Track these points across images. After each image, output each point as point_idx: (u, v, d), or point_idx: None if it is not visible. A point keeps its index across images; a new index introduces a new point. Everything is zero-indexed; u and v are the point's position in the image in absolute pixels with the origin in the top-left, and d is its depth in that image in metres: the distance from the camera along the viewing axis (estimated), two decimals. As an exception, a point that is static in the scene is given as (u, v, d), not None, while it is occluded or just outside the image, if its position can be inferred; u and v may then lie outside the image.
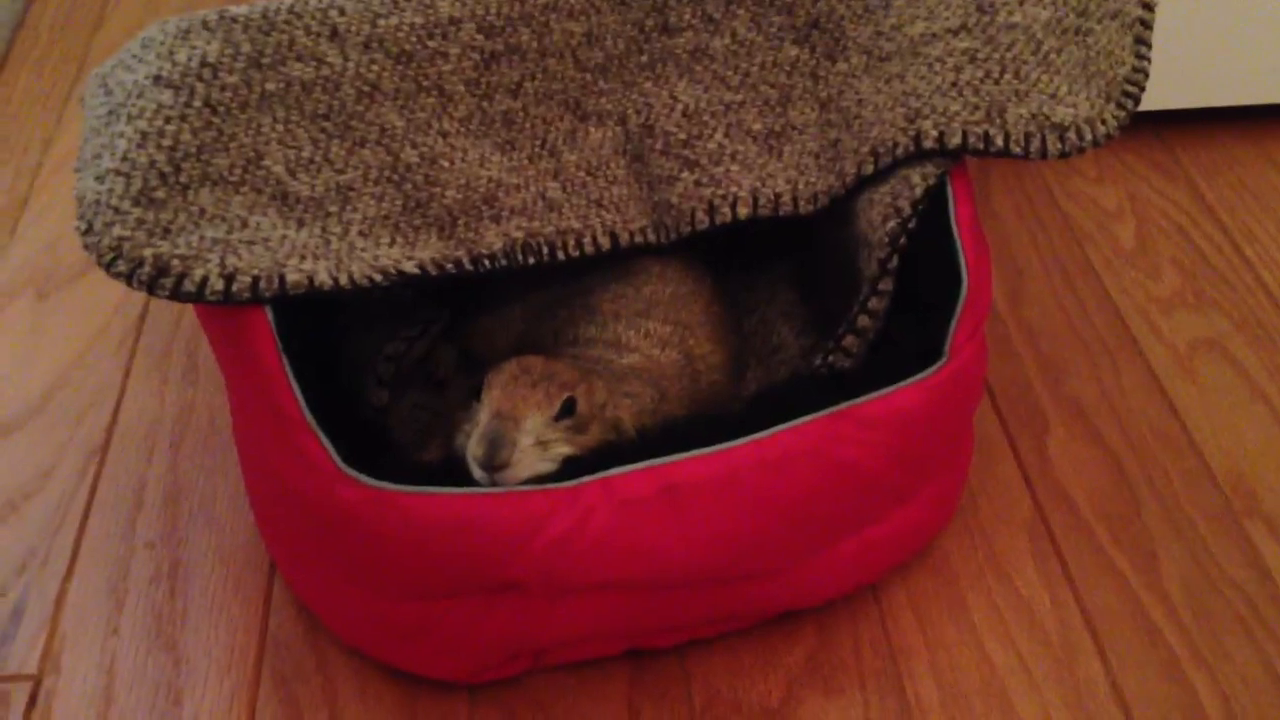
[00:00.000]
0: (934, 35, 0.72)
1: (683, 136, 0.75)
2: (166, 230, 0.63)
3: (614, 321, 0.75)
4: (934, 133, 0.70)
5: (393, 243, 0.68)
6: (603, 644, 0.69)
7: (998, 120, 0.69)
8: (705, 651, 0.71)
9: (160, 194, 0.63)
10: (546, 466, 0.63)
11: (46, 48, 1.23)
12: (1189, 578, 0.75)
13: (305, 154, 0.67)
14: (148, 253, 0.62)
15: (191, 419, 0.85)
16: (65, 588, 0.75)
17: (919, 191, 0.70)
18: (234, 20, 0.68)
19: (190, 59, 0.66)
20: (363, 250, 0.67)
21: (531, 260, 0.71)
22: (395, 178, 0.69)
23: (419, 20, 0.71)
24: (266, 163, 0.66)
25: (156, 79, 0.66)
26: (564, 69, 0.73)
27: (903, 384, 0.67)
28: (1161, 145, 1.08)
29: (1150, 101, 0.72)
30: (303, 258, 0.65)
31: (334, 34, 0.69)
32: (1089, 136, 0.69)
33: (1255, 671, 0.70)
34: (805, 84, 0.75)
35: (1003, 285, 0.94)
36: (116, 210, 0.62)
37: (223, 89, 0.66)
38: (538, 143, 0.73)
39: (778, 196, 0.74)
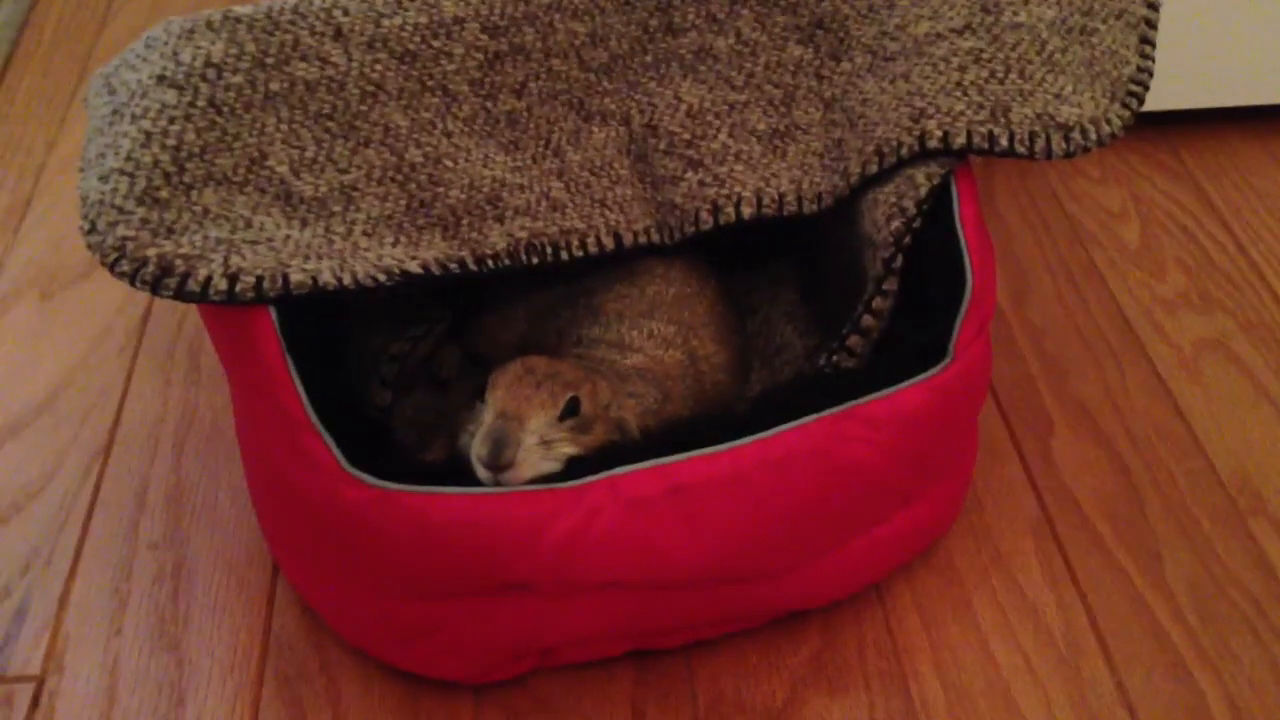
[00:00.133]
0: (939, 35, 0.72)
1: (687, 136, 0.74)
2: (170, 230, 0.63)
3: (618, 322, 0.75)
4: (939, 132, 0.70)
5: (396, 243, 0.68)
6: (607, 644, 0.69)
7: (1002, 120, 0.69)
8: (709, 652, 0.71)
9: (164, 194, 0.63)
10: (551, 466, 0.63)
11: (50, 48, 1.23)
12: (1194, 578, 0.74)
13: (309, 154, 0.67)
14: (151, 252, 0.62)
15: (194, 419, 0.85)
16: (68, 588, 0.74)
17: (924, 191, 0.70)
18: (238, 20, 0.67)
19: (194, 59, 0.66)
20: (366, 250, 0.67)
21: (535, 260, 0.71)
22: (399, 178, 0.69)
23: (423, 20, 0.70)
24: (270, 163, 0.66)
25: (160, 79, 0.66)
26: (568, 69, 0.73)
27: (908, 384, 0.67)
28: (1166, 145, 1.08)
29: (1154, 101, 0.72)
30: (306, 258, 0.65)
31: (338, 34, 0.69)
32: (1094, 136, 0.69)
33: (1261, 671, 0.69)
34: (809, 84, 0.75)
35: (1006, 286, 0.94)
36: (120, 210, 0.62)
37: (227, 89, 0.66)
38: (542, 143, 0.73)
39: (782, 196, 0.74)
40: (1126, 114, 0.71)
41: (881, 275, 0.71)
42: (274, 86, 0.67)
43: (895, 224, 0.70)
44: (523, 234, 0.71)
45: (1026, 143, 0.69)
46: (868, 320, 0.71)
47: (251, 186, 0.66)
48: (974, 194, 0.72)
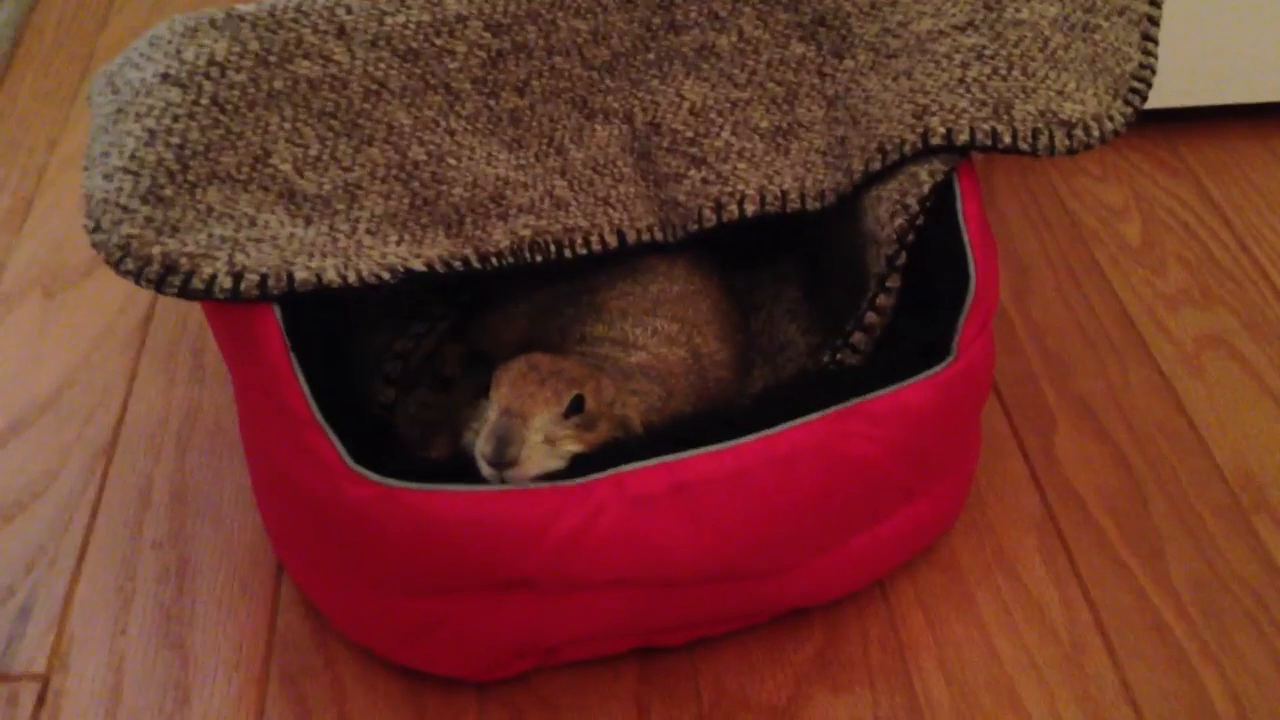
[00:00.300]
0: (941, 32, 0.72)
1: (690, 134, 0.74)
2: (175, 228, 0.63)
3: (621, 319, 0.75)
4: (941, 129, 0.70)
5: (400, 240, 0.68)
6: (611, 642, 0.69)
7: (1005, 117, 0.69)
8: (714, 649, 0.71)
9: (168, 192, 0.64)
10: (555, 464, 0.63)
11: (52, 47, 1.23)
12: (1197, 574, 0.74)
13: (313, 152, 0.67)
14: (156, 250, 0.62)
15: (198, 418, 0.85)
16: (73, 587, 0.75)
17: (927, 188, 0.70)
18: (241, 19, 0.68)
19: (198, 57, 0.66)
20: (370, 248, 0.67)
21: (539, 259, 0.71)
22: (403, 176, 0.69)
23: (426, 18, 0.70)
24: (274, 161, 0.66)
25: (164, 77, 0.66)
26: (571, 67, 0.73)
27: (911, 381, 0.67)
28: (1166, 143, 1.08)
29: (1155, 99, 0.72)
30: (310, 255, 0.65)
31: (341, 32, 0.69)
32: (1096, 133, 0.69)
33: (1264, 666, 0.69)
34: (812, 81, 0.75)
35: (1008, 283, 0.94)
36: (125, 208, 0.62)
37: (230, 87, 0.66)
38: (545, 141, 0.73)
39: (785, 194, 0.74)
40: (1129, 111, 0.71)
41: (885, 272, 0.71)
42: (277, 85, 0.67)
43: (898, 221, 0.70)
44: (526, 232, 0.71)
45: (1029, 139, 0.69)
46: (871, 317, 0.71)
47: (255, 185, 0.66)
48: (977, 191, 0.72)
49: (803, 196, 0.74)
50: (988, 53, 0.71)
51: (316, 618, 0.73)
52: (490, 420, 0.64)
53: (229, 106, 0.66)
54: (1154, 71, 0.72)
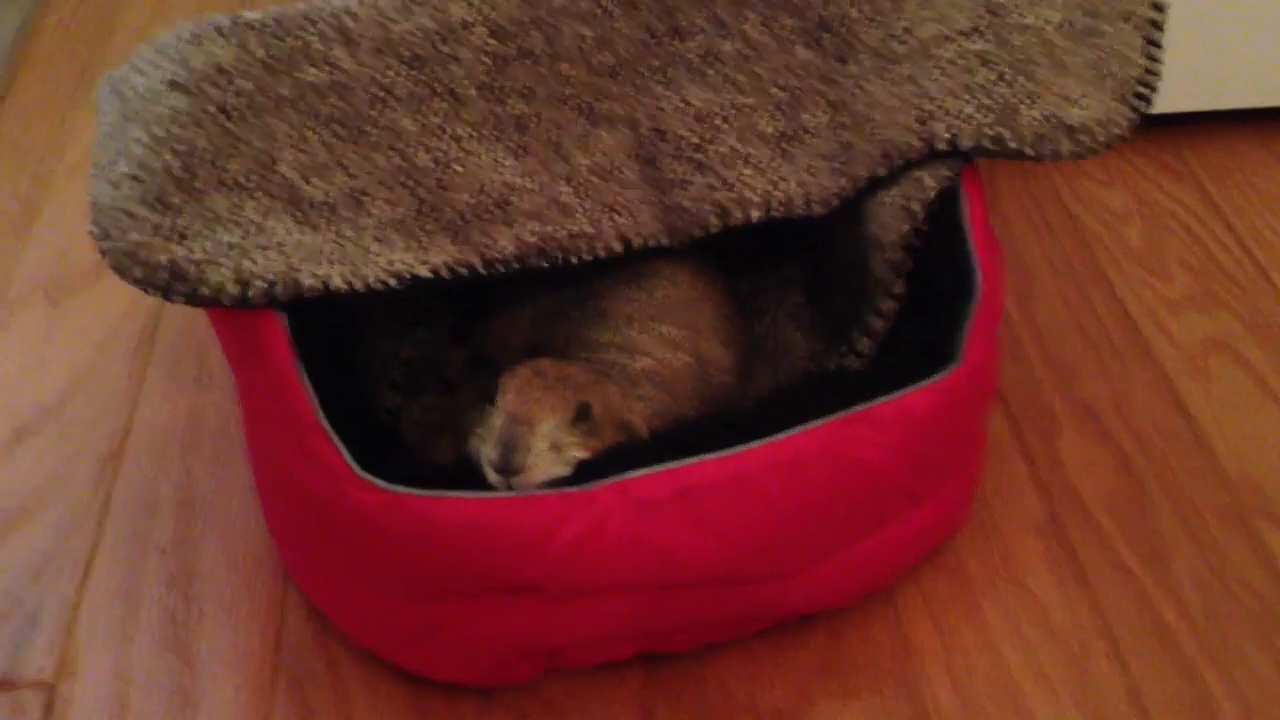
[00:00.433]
0: (945, 37, 0.72)
1: (694, 140, 0.74)
2: (181, 235, 0.63)
3: (626, 325, 0.75)
4: (946, 135, 0.70)
5: (406, 246, 0.68)
6: (616, 647, 0.69)
7: (1010, 122, 0.69)
8: (719, 655, 0.71)
9: (175, 199, 0.64)
10: (561, 470, 0.64)
11: (56, 54, 1.23)
12: (1202, 578, 0.74)
13: (319, 158, 0.68)
14: (163, 257, 0.62)
15: (204, 423, 0.85)
16: (80, 594, 0.75)
17: (931, 193, 0.70)
18: (248, 25, 0.68)
19: (204, 64, 0.66)
20: (376, 254, 0.67)
21: (544, 264, 0.71)
22: (408, 182, 0.69)
23: (431, 25, 0.71)
24: (280, 167, 0.67)
25: (171, 84, 0.66)
26: (575, 73, 0.73)
27: (916, 386, 0.67)
28: (1170, 147, 1.08)
29: (1157, 103, 0.72)
30: (317, 262, 0.65)
31: (347, 39, 0.69)
32: (1101, 138, 0.70)
33: (1269, 670, 0.69)
34: (817, 87, 0.75)
35: (1011, 287, 0.94)
36: (132, 215, 0.63)
37: (237, 94, 0.66)
38: (550, 146, 0.73)
39: (789, 199, 0.74)
40: (1134, 115, 0.71)
41: (889, 278, 0.71)
42: (283, 91, 0.67)
43: (903, 226, 0.70)
44: (531, 238, 0.71)
45: (1034, 144, 0.69)
46: (875, 322, 0.71)
47: (262, 191, 0.66)
48: (981, 196, 0.72)
49: (807, 202, 0.74)
50: (992, 58, 0.71)
51: (321, 623, 0.73)
52: (496, 427, 0.64)
53: (235, 113, 0.66)
54: (1159, 76, 0.72)
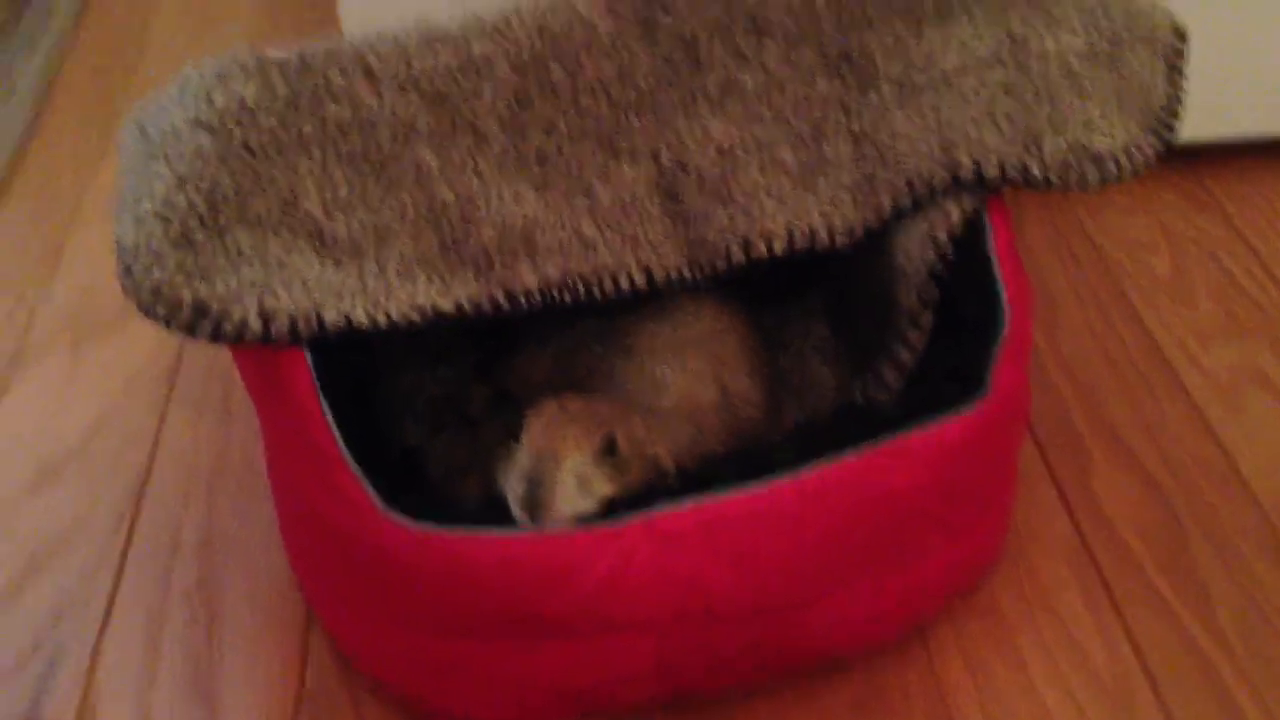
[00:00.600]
0: (967, 66, 0.72)
1: (716, 173, 0.74)
2: (205, 273, 0.63)
3: (650, 359, 0.75)
4: (970, 165, 0.70)
5: (430, 281, 0.68)
6: (644, 687, 0.68)
7: (1034, 150, 0.69)
8: (749, 699, 0.69)
9: (199, 237, 0.64)
10: (587, 505, 0.63)
11: (82, 94, 1.24)
12: (1240, 609, 0.73)
13: (342, 194, 0.68)
14: (186, 295, 0.62)
15: (226, 462, 0.85)
16: (101, 637, 0.74)
17: (956, 223, 0.69)
18: (271, 63, 0.68)
19: (228, 102, 0.66)
20: (399, 289, 0.67)
21: (567, 299, 0.71)
22: (431, 217, 0.69)
23: (453, 61, 0.71)
24: (303, 204, 0.67)
25: (195, 122, 0.66)
26: (597, 107, 0.73)
27: (945, 417, 0.66)
28: (1192, 176, 1.07)
29: (1180, 132, 0.72)
30: (340, 297, 0.65)
31: (370, 75, 0.69)
32: (1127, 166, 0.69)
33: (1313, 705, 0.68)
34: (838, 118, 0.75)
35: (1037, 317, 0.94)
36: (156, 254, 0.63)
37: (260, 131, 0.66)
38: (572, 181, 0.73)
39: (813, 231, 0.74)
40: (1159, 143, 0.70)
41: (915, 308, 0.70)
42: (306, 128, 0.68)
43: (928, 255, 0.70)
44: (554, 272, 0.71)
45: (1060, 173, 0.69)
46: (902, 354, 0.70)
47: (285, 228, 0.66)
48: (1008, 224, 0.72)
49: (831, 233, 0.74)
50: (1014, 86, 0.71)
51: (345, 664, 0.72)
52: (521, 463, 0.63)
53: (259, 150, 0.66)
54: (1182, 104, 0.72)
